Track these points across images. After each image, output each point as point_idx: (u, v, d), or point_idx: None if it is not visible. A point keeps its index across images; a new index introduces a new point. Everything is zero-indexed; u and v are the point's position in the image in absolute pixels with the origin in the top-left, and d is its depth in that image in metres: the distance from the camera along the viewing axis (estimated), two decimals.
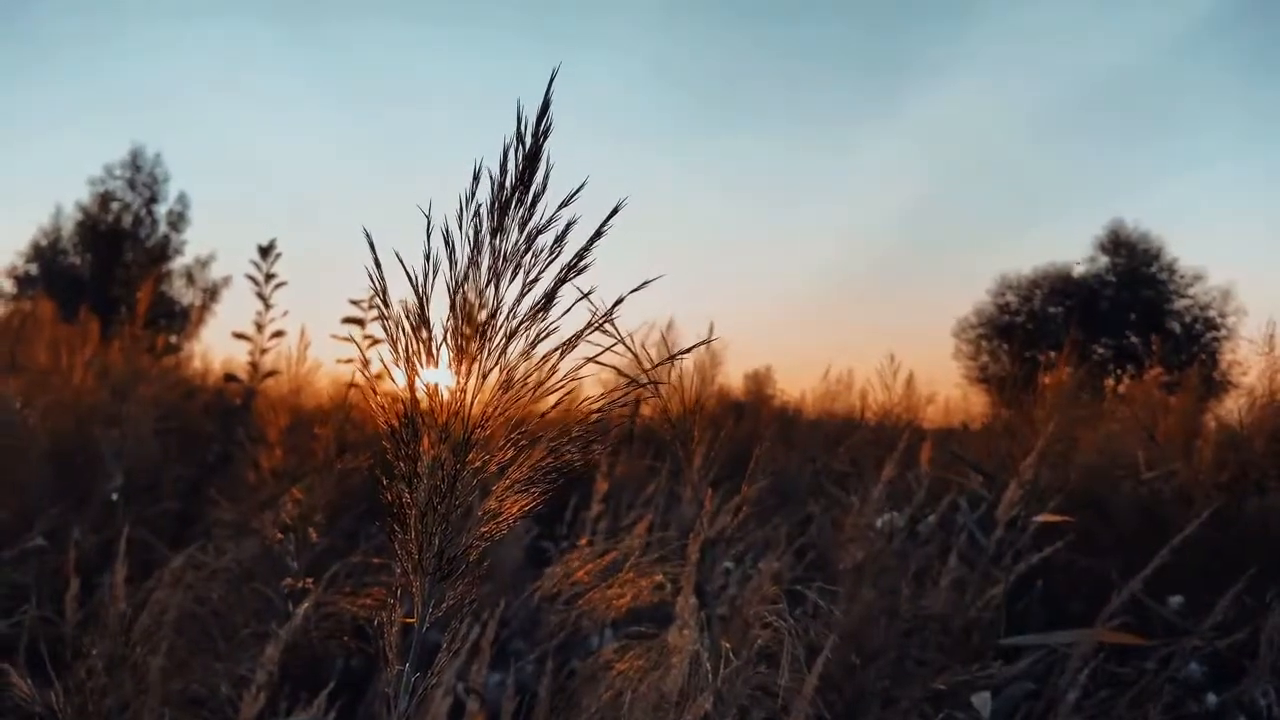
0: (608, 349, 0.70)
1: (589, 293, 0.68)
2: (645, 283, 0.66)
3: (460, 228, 0.65)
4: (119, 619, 1.78)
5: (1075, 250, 22.75)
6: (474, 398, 0.66)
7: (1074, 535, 2.44)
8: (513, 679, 1.85)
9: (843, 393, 5.67)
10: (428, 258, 0.64)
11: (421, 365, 0.66)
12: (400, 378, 0.67)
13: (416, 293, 0.65)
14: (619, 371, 0.99)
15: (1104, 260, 22.68)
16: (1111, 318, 21.17)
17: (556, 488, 0.71)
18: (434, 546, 0.65)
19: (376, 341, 3.08)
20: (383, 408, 0.65)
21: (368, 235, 0.67)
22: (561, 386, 0.67)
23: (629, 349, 0.99)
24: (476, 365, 0.67)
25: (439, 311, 0.69)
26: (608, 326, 0.82)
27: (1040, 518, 2.34)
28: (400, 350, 0.66)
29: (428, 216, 0.63)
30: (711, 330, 3.95)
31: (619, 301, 0.66)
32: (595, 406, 0.69)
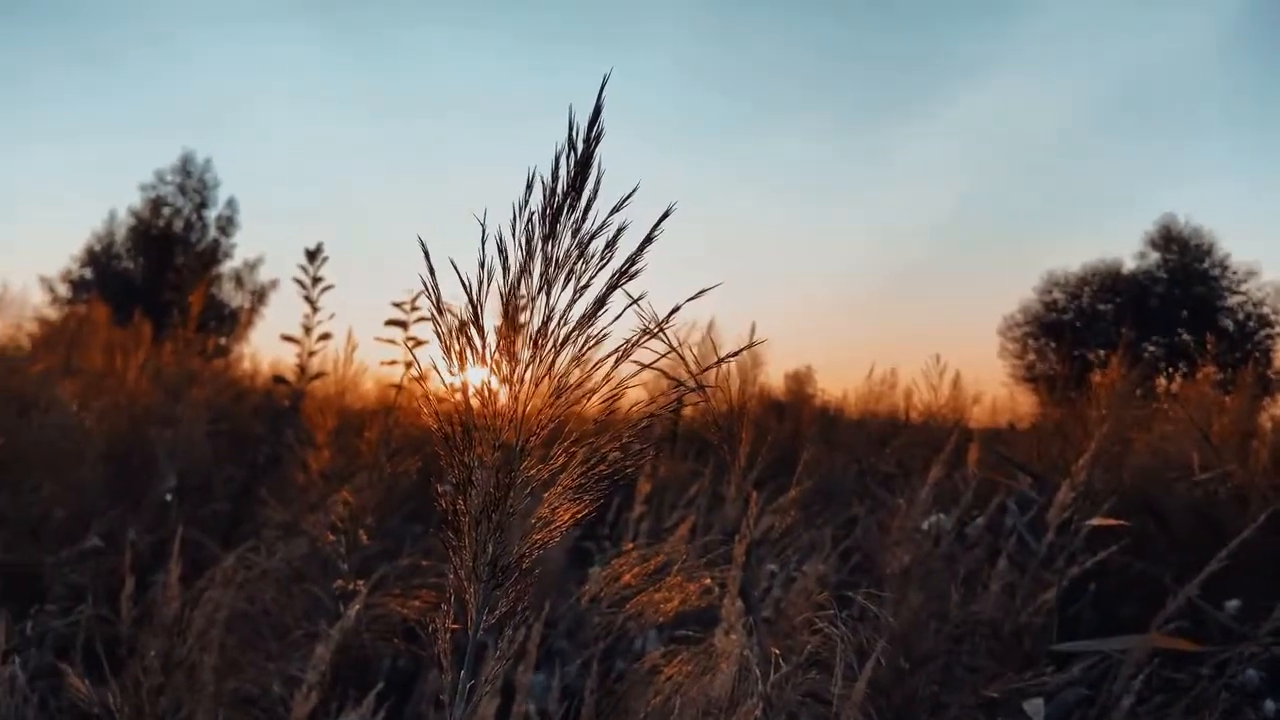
0: (663, 356, 0.69)
1: (639, 298, 0.67)
2: (701, 291, 0.66)
3: (513, 234, 0.65)
4: (172, 618, 1.81)
5: (1124, 246, 22.34)
6: (527, 404, 0.66)
7: (1127, 538, 2.38)
8: (559, 681, 1.86)
9: (886, 392, 5.61)
10: (482, 265, 0.65)
11: (475, 371, 0.66)
12: (453, 384, 0.67)
13: (470, 300, 0.65)
14: (665, 374, 0.98)
15: (1154, 256, 22.23)
16: (1162, 315, 20.75)
17: (607, 491, 0.70)
18: (488, 554, 0.65)
19: (420, 343, 3.11)
20: (436, 414, 0.65)
21: (422, 244, 0.67)
22: (614, 394, 0.67)
23: (677, 353, 0.99)
24: (529, 372, 0.67)
25: (492, 318, 0.69)
26: (661, 331, 0.82)
27: (1093, 521, 2.29)
28: (454, 357, 0.66)
29: (482, 224, 0.63)
30: (753, 331, 3.92)
31: (675, 310, 0.66)
32: (646, 411, 0.69)
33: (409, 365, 3.32)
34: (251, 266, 22.74)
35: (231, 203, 23.17)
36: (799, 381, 7.31)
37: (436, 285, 0.67)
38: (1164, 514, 3.15)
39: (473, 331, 0.66)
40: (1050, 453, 3.04)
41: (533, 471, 0.66)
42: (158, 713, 1.47)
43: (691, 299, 0.66)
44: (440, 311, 0.66)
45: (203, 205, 23.09)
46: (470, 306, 0.65)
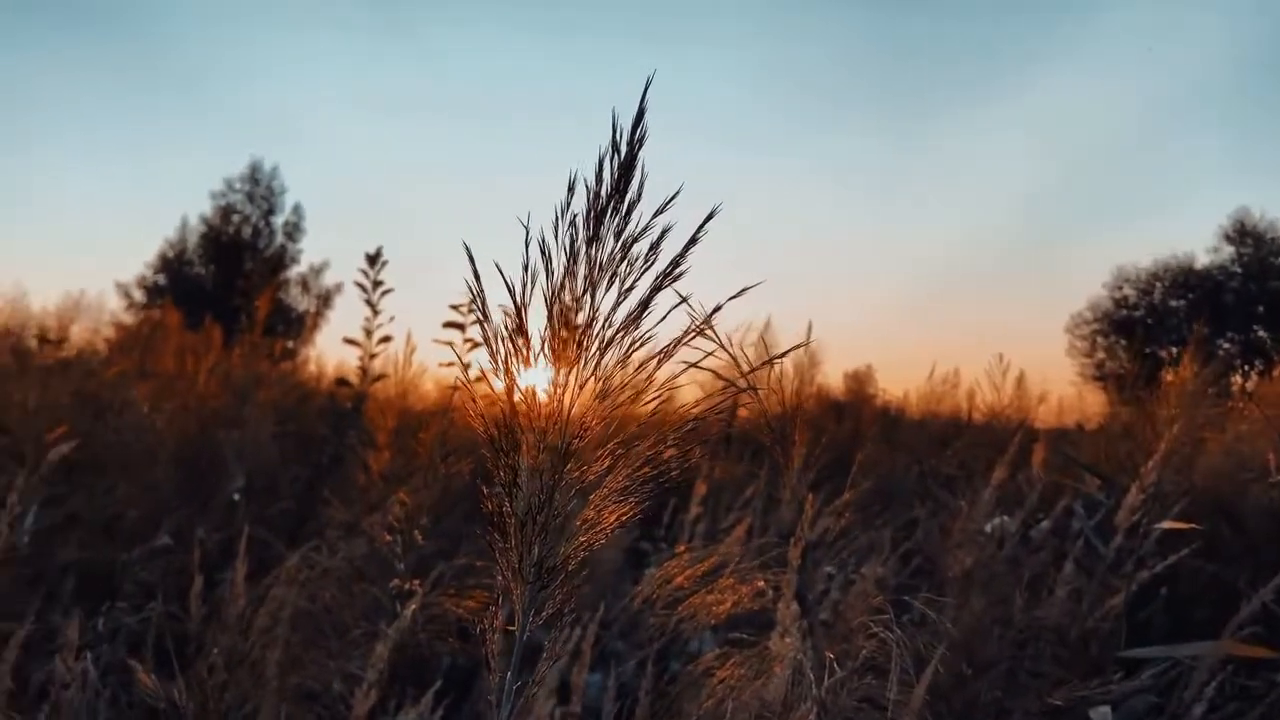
0: (708, 355, 0.69)
1: (684, 300, 0.67)
2: (743, 290, 0.65)
3: (556, 237, 0.66)
4: (238, 616, 1.86)
5: (1197, 241, 21.65)
6: (572, 407, 0.66)
7: (1199, 542, 2.31)
8: (613, 681, 1.86)
9: (949, 392, 5.52)
10: (525, 268, 0.65)
11: (520, 375, 0.66)
12: (499, 387, 0.67)
13: (515, 303, 0.65)
14: (717, 375, 0.98)
15: (1228, 251, 21.48)
16: (1237, 311, 20.05)
17: (656, 494, 0.70)
18: (533, 555, 0.66)
19: (477, 345, 3.15)
20: (482, 416, 0.65)
21: (467, 249, 0.68)
22: (658, 396, 0.67)
23: (727, 352, 0.98)
24: (574, 374, 0.67)
25: (537, 321, 0.69)
26: (706, 331, 0.81)
27: (1163, 524, 2.22)
28: (499, 360, 0.67)
29: (525, 227, 0.64)
30: (810, 330, 3.89)
31: (717, 309, 0.66)
32: (693, 414, 0.68)
33: (466, 367, 3.35)
34: (317, 271, 23.23)
35: (297, 209, 23.71)
36: (859, 381, 7.23)
37: (482, 289, 0.67)
38: (1238, 516, 3.04)
39: (517, 333, 0.66)
40: (1118, 454, 2.96)
41: (576, 474, 0.66)
42: (222, 708, 1.51)
43: (733, 298, 0.66)
44: (486, 315, 0.67)
45: (270, 212, 23.65)
46: (514, 308, 0.66)
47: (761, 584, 1.41)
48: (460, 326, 3.42)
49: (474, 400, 0.67)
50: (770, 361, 0.73)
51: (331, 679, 1.72)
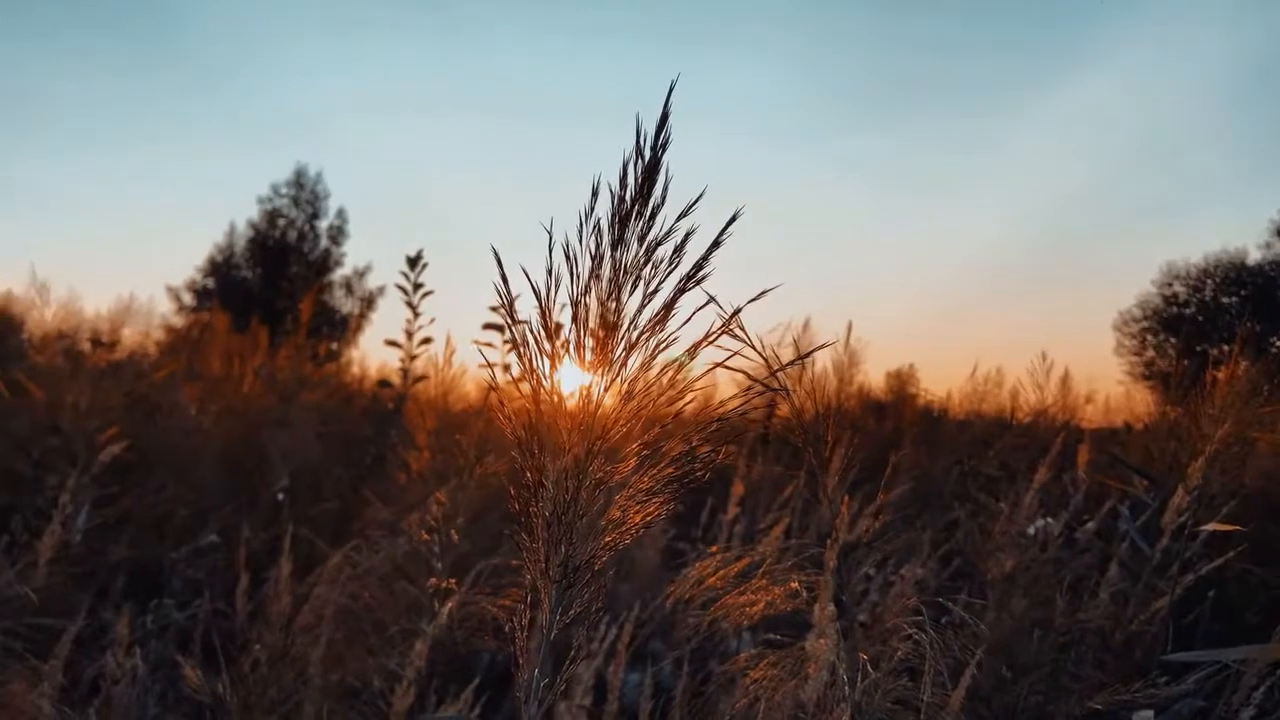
0: (733, 354, 0.70)
1: (711, 300, 0.67)
2: (763, 293, 0.65)
3: (581, 241, 0.66)
4: (282, 614, 1.89)
5: (1249, 236, 21.09)
6: (596, 409, 0.67)
7: (1248, 544, 2.26)
8: (648, 679, 1.87)
9: (992, 392, 5.44)
10: (549, 272, 0.66)
11: (545, 377, 0.67)
12: (525, 389, 0.68)
13: (540, 306, 0.66)
14: (748, 376, 0.98)
15: None
16: None
17: (688, 493, 0.71)
18: (560, 555, 0.66)
19: (515, 347, 3.18)
20: (509, 418, 0.66)
21: (495, 253, 0.69)
22: (681, 396, 0.67)
23: (758, 352, 0.98)
24: (599, 377, 0.68)
25: (564, 324, 0.70)
26: (736, 331, 0.81)
27: (1210, 526, 2.17)
28: (526, 362, 0.68)
29: (549, 232, 0.65)
30: (849, 330, 3.87)
31: (737, 311, 0.66)
32: (718, 415, 0.69)
33: (506, 368, 3.39)
34: (360, 274, 23.54)
35: (341, 213, 24.05)
36: (901, 381, 7.16)
37: (510, 293, 0.68)
38: None
39: (542, 337, 0.67)
40: (1165, 454, 2.90)
41: (599, 475, 0.67)
42: (265, 704, 1.54)
43: (752, 300, 0.66)
44: (513, 318, 0.68)
45: (315, 216, 24.00)
46: (539, 311, 0.67)
47: (795, 585, 1.41)
48: (500, 328, 3.45)
49: (501, 402, 0.68)
50: (798, 360, 0.73)
51: (371, 676, 1.74)
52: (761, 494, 3.27)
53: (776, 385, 0.91)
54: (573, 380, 0.68)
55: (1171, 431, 3.28)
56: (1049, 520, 2.60)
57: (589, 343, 0.67)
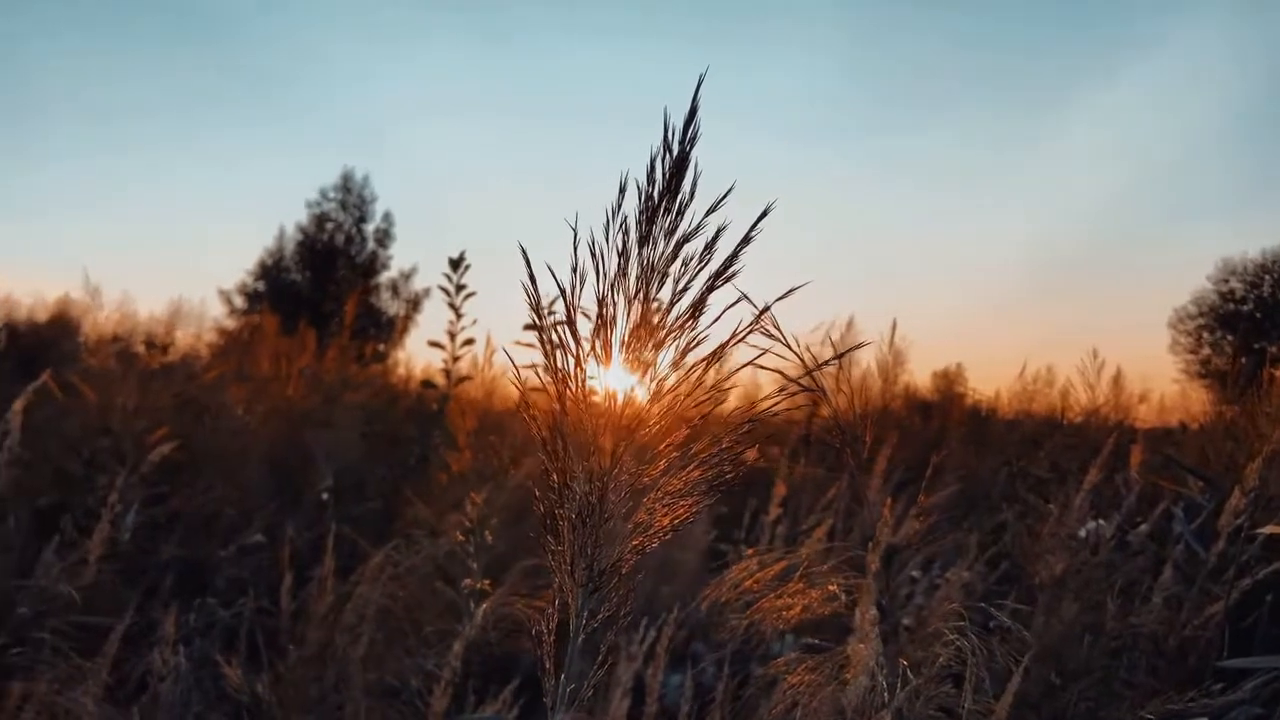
0: (763, 353, 0.68)
1: (738, 301, 0.66)
2: (791, 290, 0.64)
3: (607, 238, 0.65)
4: (325, 613, 1.91)
5: None
6: (624, 409, 0.66)
7: None
8: (689, 680, 1.86)
9: (1042, 391, 5.34)
10: (574, 270, 0.64)
11: (571, 377, 0.66)
12: (552, 389, 0.67)
13: (566, 305, 0.65)
14: (784, 376, 0.96)
15: None
16: None
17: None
18: (586, 558, 0.65)
19: (556, 347, 3.18)
20: (533, 418, 0.65)
21: (523, 251, 0.68)
22: (711, 396, 0.66)
23: (793, 351, 0.96)
24: (626, 376, 0.66)
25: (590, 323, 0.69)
26: (771, 330, 0.80)
27: (1268, 529, 2.10)
28: (551, 362, 0.66)
29: (574, 229, 0.63)
30: (893, 329, 3.81)
31: (765, 309, 0.64)
32: (749, 415, 0.67)
33: (548, 369, 3.39)
34: (406, 276, 23.78)
35: (387, 216, 24.33)
36: (948, 380, 7.07)
37: (537, 291, 0.67)
38: None
39: (567, 336, 0.66)
40: (1221, 454, 2.82)
41: (624, 477, 0.66)
42: (306, 703, 1.54)
43: (780, 299, 0.64)
44: (541, 317, 0.67)
45: (362, 219, 24.30)
46: (565, 310, 0.65)
47: (833, 588, 1.38)
48: (540, 329, 3.46)
49: (527, 402, 0.67)
50: (833, 360, 0.71)
51: (410, 676, 1.75)
52: (804, 495, 3.23)
53: (812, 385, 0.89)
54: (599, 380, 0.67)
55: (1228, 431, 3.18)
56: (1100, 522, 2.54)
57: (616, 342, 0.66)
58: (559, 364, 0.66)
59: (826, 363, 0.70)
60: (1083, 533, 2.44)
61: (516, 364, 0.76)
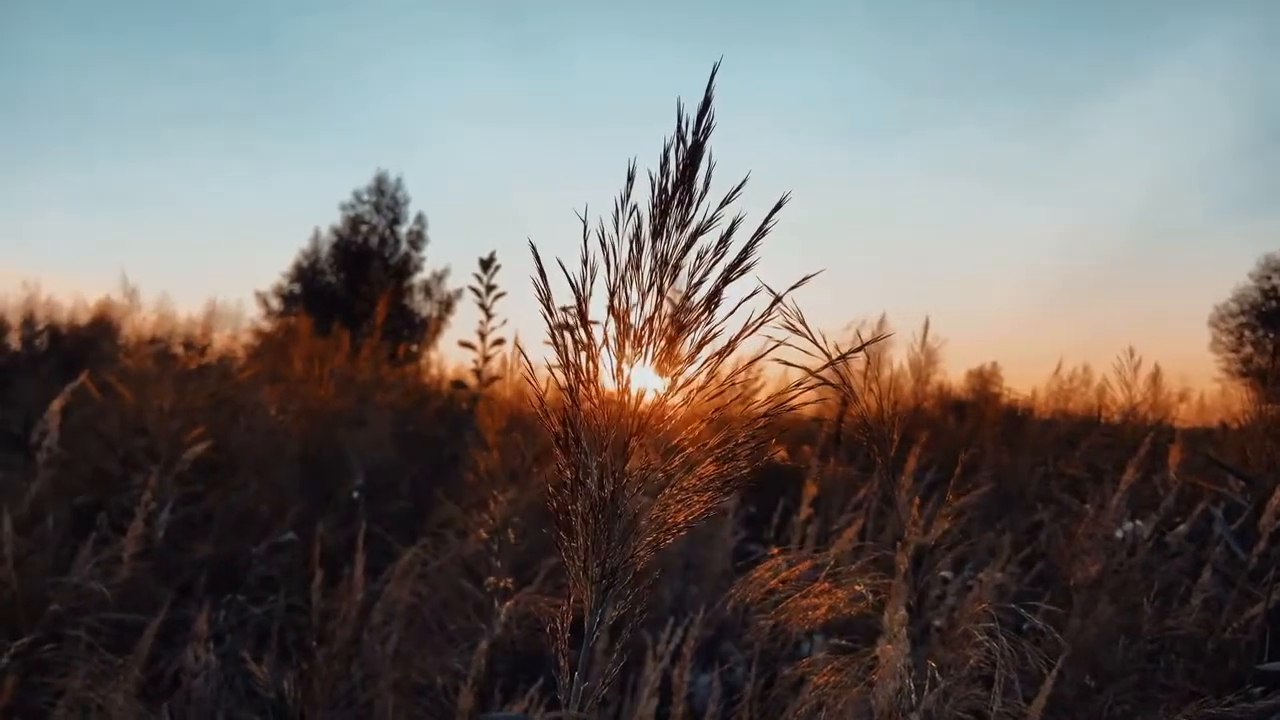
0: (777, 344, 0.66)
1: (754, 293, 0.65)
2: (805, 279, 0.62)
3: (617, 229, 0.64)
4: (355, 611, 1.91)
5: None
6: (636, 404, 0.65)
7: None
8: (716, 679, 1.84)
9: (1078, 390, 5.26)
10: (584, 262, 0.64)
11: (584, 372, 0.65)
12: (565, 384, 0.66)
13: (577, 297, 0.64)
14: (810, 372, 0.94)
15: None
16: None
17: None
18: (599, 555, 0.64)
19: (585, 346, 3.18)
20: (545, 413, 0.65)
21: (533, 246, 0.67)
22: (722, 391, 0.64)
23: (815, 344, 0.95)
24: (638, 370, 0.65)
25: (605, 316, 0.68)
26: (794, 324, 0.78)
27: None
28: (562, 356, 0.66)
29: (584, 220, 0.63)
30: (925, 327, 3.76)
31: (778, 299, 0.63)
32: (764, 409, 0.66)
33: (578, 369, 3.39)
34: (439, 277, 23.94)
35: (420, 218, 24.50)
36: (983, 380, 6.99)
37: (547, 285, 0.66)
38: None
39: (579, 332, 0.65)
40: (1262, 454, 2.75)
41: (638, 472, 0.65)
42: (333, 700, 1.55)
43: (793, 288, 0.63)
44: (550, 312, 0.66)
45: (395, 222, 24.50)
46: (576, 303, 0.64)
47: (859, 589, 1.36)
48: (570, 329, 3.46)
49: (540, 398, 0.66)
50: (852, 353, 0.70)
51: (436, 674, 1.75)
52: (835, 495, 3.20)
53: (833, 379, 0.87)
54: (613, 374, 0.66)
55: (1269, 430, 3.11)
56: (1138, 523, 2.49)
57: (629, 335, 0.65)
58: (571, 358, 0.65)
59: (847, 354, 0.68)
60: (1119, 533, 2.40)
61: (530, 361, 0.75)
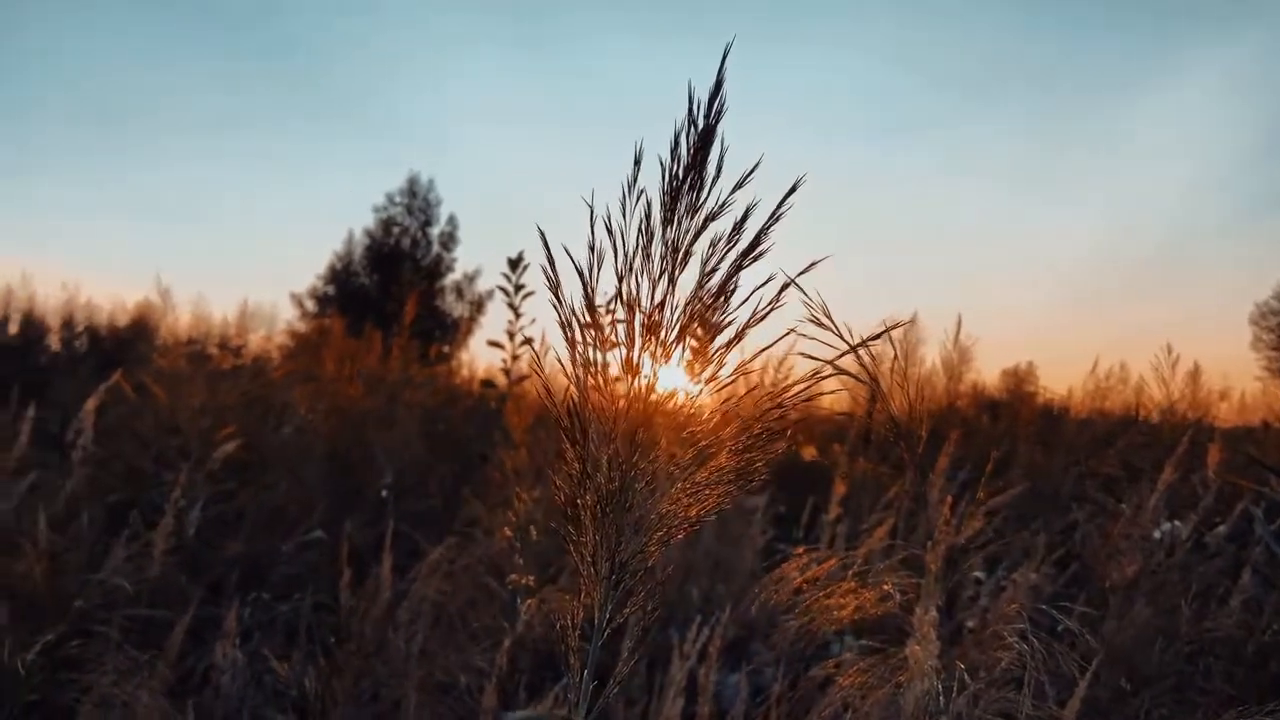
0: (787, 332, 0.64)
1: (767, 281, 0.63)
2: (813, 264, 0.60)
3: (625, 216, 0.62)
4: (383, 609, 1.92)
5: None
6: (646, 395, 0.63)
7: None
8: (743, 679, 1.82)
9: (1115, 389, 5.16)
10: (592, 249, 0.62)
11: (593, 362, 0.64)
12: (575, 375, 0.64)
13: (584, 285, 0.63)
14: (828, 362, 0.92)
15: None
16: None
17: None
18: (607, 550, 0.63)
19: (614, 345, 3.17)
20: (552, 403, 0.63)
21: (541, 234, 0.65)
22: (733, 382, 0.63)
23: (836, 334, 0.92)
24: (648, 360, 0.64)
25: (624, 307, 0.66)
26: (821, 319, 0.76)
27: None
28: (570, 346, 0.64)
29: (590, 206, 0.61)
30: (958, 325, 3.71)
31: (786, 285, 0.61)
32: (777, 400, 0.64)
33: (605, 366, 3.39)
34: (470, 278, 24.04)
35: (452, 219, 24.61)
36: (1018, 378, 6.90)
37: (556, 275, 0.65)
38: None
39: (585, 319, 0.63)
40: None
41: (647, 464, 0.63)
42: (358, 698, 1.55)
43: (802, 273, 0.61)
44: (559, 301, 0.64)
45: (427, 223, 24.63)
46: (583, 292, 0.63)
47: (888, 588, 1.33)
48: (598, 327, 3.46)
49: (548, 389, 0.65)
50: (867, 342, 0.68)
51: (460, 672, 1.74)
52: (865, 494, 3.16)
53: (858, 372, 0.85)
54: (621, 364, 0.64)
55: None
56: (1176, 523, 2.44)
57: (637, 324, 0.63)
58: (579, 348, 0.64)
59: (868, 340, 0.66)
60: (1157, 534, 2.35)
61: (549, 356, 0.74)
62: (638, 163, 0.61)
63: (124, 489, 2.92)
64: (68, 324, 8.45)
